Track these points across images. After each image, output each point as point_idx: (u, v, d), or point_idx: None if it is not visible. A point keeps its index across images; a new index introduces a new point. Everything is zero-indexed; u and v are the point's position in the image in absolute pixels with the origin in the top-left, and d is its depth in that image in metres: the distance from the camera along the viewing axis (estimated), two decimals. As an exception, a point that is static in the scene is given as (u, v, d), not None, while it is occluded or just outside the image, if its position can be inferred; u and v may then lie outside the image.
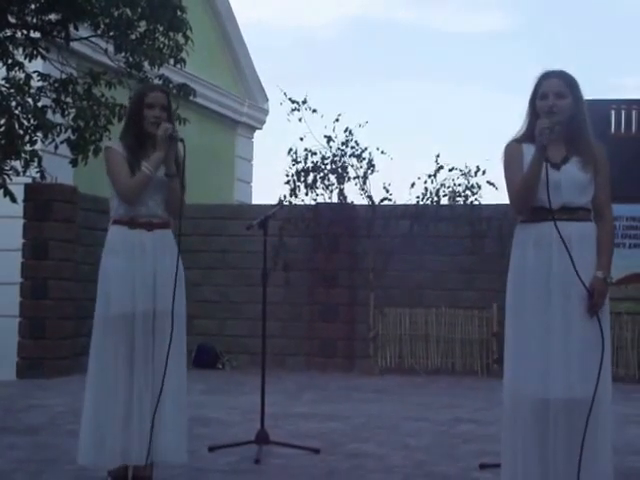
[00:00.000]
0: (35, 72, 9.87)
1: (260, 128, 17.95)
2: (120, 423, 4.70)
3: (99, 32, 10.07)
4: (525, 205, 4.24)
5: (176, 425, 4.79)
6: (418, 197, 11.97)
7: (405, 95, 30.11)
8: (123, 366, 4.72)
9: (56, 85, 9.98)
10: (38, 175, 9.97)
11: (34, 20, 9.95)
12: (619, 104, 12.34)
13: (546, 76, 4.30)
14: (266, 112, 17.78)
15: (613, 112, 12.25)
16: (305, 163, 12.08)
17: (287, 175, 12.06)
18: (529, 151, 4.24)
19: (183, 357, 4.92)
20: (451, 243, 11.97)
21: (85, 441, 4.77)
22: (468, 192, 11.97)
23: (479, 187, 11.96)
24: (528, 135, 4.30)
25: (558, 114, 4.21)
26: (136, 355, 4.72)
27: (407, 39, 31.13)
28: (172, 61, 10.32)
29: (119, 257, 4.78)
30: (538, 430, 4.09)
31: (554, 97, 4.25)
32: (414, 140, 26.60)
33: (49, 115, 9.87)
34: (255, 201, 17.02)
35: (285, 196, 11.92)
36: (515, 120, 4.45)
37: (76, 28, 9.91)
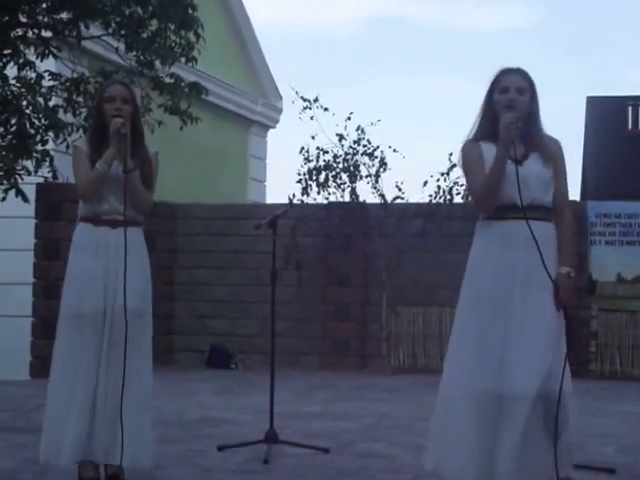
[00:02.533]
0: (46, 71, 9.87)
1: (274, 127, 17.92)
2: (81, 421, 4.71)
3: (110, 31, 10.08)
4: (492, 203, 4.22)
5: (133, 427, 4.75)
6: (431, 195, 11.90)
7: (418, 93, 30.07)
8: (87, 363, 4.72)
9: (67, 84, 9.98)
10: (50, 175, 9.97)
11: (45, 19, 9.97)
12: (636, 101, 12.26)
13: (506, 72, 4.31)
14: (280, 111, 17.74)
15: (630, 109, 12.17)
16: (317, 162, 12.04)
17: (299, 174, 12.03)
18: (488, 149, 4.23)
19: (144, 355, 4.87)
20: (464, 241, 11.77)
21: (45, 438, 4.83)
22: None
23: (466, 185, 11.84)
24: (484, 133, 4.28)
25: (517, 109, 4.21)
26: (100, 353, 4.72)
27: (422, 36, 31.09)
28: (183, 59, 10.31)
29: (84, 255, 4.79)
30: (484, 423, 4.10)
31: (515, 92, 4.24)
32: (427, 138, 26.54)
33: (60, 114, 9.88)
34: (270, 200, 16.99)
35: (294, 195, 11.87)
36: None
37: (87, 27, 9.92)
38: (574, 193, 13.84)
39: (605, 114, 11.88)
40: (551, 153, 4.26)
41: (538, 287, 4.13)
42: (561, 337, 4.16)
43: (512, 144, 4.10)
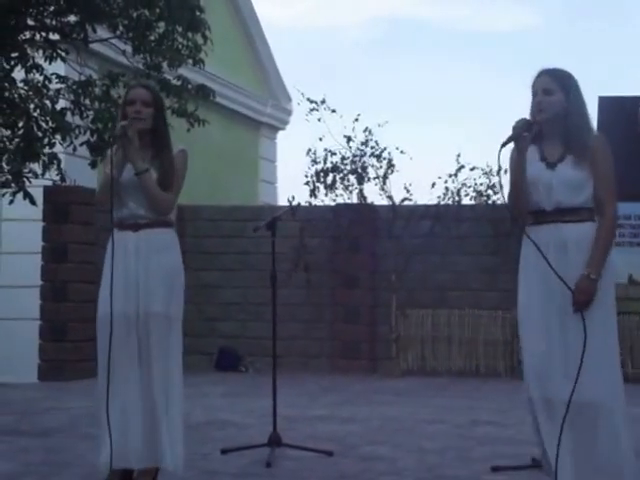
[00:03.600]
0: (53, 74, 9.88)
1: (283, 128, 17.90)
2: (114, 426, 4.65)
3: (117, 33, 10.07)
4: (516, 208, 4.21)
5: (166, 432, 4.72)
6: (439, 197, 11.89)
7: (427, 94, 29.98)
8: (108, 368, 4.65)
9: (74, 87, 9.98)
10: (57, 178, 9.97)
11: (53, 22, 9.97)
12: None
13: (538, 75, 4.28)
14: (289, 112, 17.72)
15: (643, 108, 12.05)
16: (324, 163, 12.02)
17: (306, 176, 12.01)
18: (531, 151, 4.21)
19: (174, 360, 4.82)
20: (473, 243, 11.87)
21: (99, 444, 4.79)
22: (490, 191, 11.87)
23: (501, 186, 11.80)
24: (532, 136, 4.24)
25: (544, 111, 4.17)
26: (122, 357, 4.68)
27: (435, 38, 30.99)
28: (191, 62, 10.30)
29: (110, 260, 4.77)
30: (548, 427, 4.07)
31: (542, 94, 4.21)
32: (435, 139, 26.46)
33: (68, 117, 9.89)
34: (281, 202, 16.95)
35: (294, 197, 11.80)
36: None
37: (94, 30, 9.91)
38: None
39: (617, 114, 11.77)
40: (587, 153, 4.17)
41: (569, 293, 4.07)
42: (597, 342, 4.05)
43: (524, 148, 4.09)
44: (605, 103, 11.95)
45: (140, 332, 4.71)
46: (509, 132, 4.15)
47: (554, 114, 4.17)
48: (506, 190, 4.29)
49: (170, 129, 10.44)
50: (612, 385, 4.09)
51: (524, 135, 4.12)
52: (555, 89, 4.20)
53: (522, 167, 4.13)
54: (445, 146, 26.32)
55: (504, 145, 4.11)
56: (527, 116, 4.25)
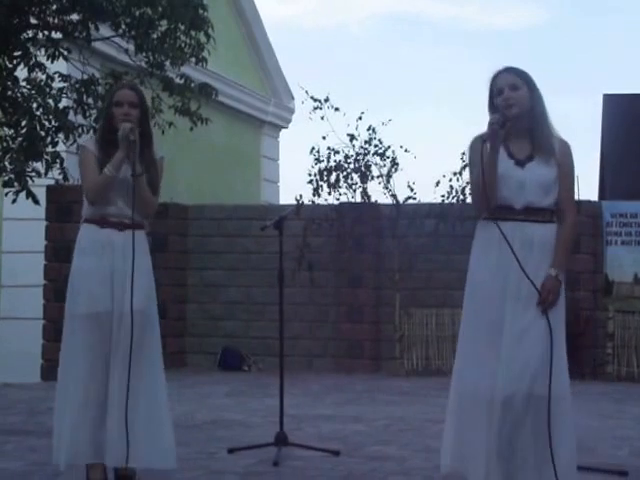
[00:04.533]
0: (56, 73, 9.86)
1: (286, 127, 17.88)
2: (91, 423, 4.71)
3: (120, 32, 10.06)
4: (483, 204, 4.20)
5: (149, 429, 4.75)
6: (443, 196, 11.82)
7: (430, 92, 29.98)
8: (97, 364, 4.72)
9: (77, 86, 9.97)
10: (60, 177, 9.96)
11: (55, 21, 9.96)
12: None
13: (497, 75, 4.31)
14: (292, 111, 17.69)
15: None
16: (328, 162, 11.98)
17: (309, 174, 11.96)
18: None
19: (156, 357, 4.88)
20: (477, 242, 11.81)
21: (57, 441, 4.82)
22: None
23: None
24: None
25: (516, 105, 4.20)
26: (106, 354, 4.71)
27: (436, 34, 30.98)
28: (193, 60, 10.28)
29: (89, 256, 4.80)
30: (485, 427, 4.12)
31: (509, 90, 4.23)
32: (439, 137, 26.46)
33: (70, 116, 9.88)
34: (283, 201, 16.94)
35: (301, 195, 11.79)
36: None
37: (97, 28, 9.90)
38: (592, 193, 13.70)
39: (623, 112, 11.72)
40: (555, 155, 4.22)
41: (527, 290, 4.14)
42: (550, 340, 4.09)
43: (494, 145, 4.10)
44: (610, 101, 11.92)
45: (124, 329, 4.71)
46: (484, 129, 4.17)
47: (523, 110, 4.21)
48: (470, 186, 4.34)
49: (173, 128, 10.46)
50: (567, 379, 4.18)
51: (500, 132, 4.13)
52: (521, 84, 4.24)
53: (495, 164, 4.14)
54: (450, 144, 26.30)
55: (485, 141, 4.13)
56: (487, 116, 4.28)
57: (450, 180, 11.84)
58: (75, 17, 9.90)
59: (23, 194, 9.58)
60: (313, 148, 11.97)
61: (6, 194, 9.79)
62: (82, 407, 4.75)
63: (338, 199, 12.03)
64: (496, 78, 4.29)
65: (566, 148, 4.30)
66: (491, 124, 4.11)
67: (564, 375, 4.15)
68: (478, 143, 4.25)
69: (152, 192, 4.85)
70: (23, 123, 9.61)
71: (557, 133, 4.31)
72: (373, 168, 11.97)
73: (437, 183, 11.83)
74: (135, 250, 4.74)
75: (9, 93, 9.65)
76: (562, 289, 4.21)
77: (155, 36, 9.96)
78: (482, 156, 4.17)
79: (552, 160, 4.21)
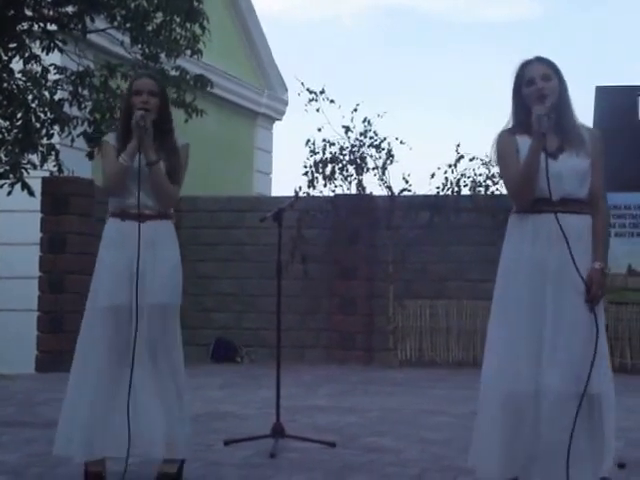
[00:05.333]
0: (52, 65, 9.86)
1: (279, 119, 17.88)
2: (106, 416, 4.69)
3: (115, 24, 10.06)
4: (527, 197, 4.13)
5: (163, 419, 4.76)
6: (438, 187, 11.89)
7: (426, 84, 30.00)
8: (109, 359, 4.70)
9: (72, 78, 9.96)
10: (55, 169, 9.96)
11: (51, 13, 9.96)
12: (646, 91, 12.15)
13: (527, 64, 4.23)
14: (285, 103, 17.71)
15: (640, 99, 12.07)
16: (323, 154, 12.01)
17: (305, 166, 11.99)
18: (523, 143, 4.16)
19: (174, 350, 4.86)
20: (472, 234, 11.87)
21: (61, 432, 4.81)
22: (489, 182, 11.87)
23: (500, 177, 11.86)
24: (520, 126, 4.20)
25: (550, 96, 4.13)
26: (124, 348, 4.68)
27: (433, 27, 31.00)
28: (189, 52, 10.29)
29: (111, 250, 4.76)
30: (522, 423, 4.06)
31: (542, 80, 4.16)
32: (434, 129, 26.51)
33: (66, 108, 9.88)
34: (275, 193, 16.97)
35: (300, 187, 11.85)
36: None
37: (92, 20, 9.90)
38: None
39: (615, 104, 11.76)
40: (586, 145, 4.16)
41: (571, 285, 4.05)
42: (594, 337, 4.02)
43: (544, 136, 4.03)
44: (603, 93, 11.97)
45: (145, 322, 4.69)
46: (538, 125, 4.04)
47: (554, 101, 4.14)
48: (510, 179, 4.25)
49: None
50: (610, 376, 4.15)
51: (547, 124, 4.05)
52: (552, 75, 4.17)
53: (538, 158, 4.06)
54: (444, 136, 26.36)
55: (540, 137, 4.03)
56: (511, 108, 4.24)
57: (445, 172, 11.92)
58: (70, 9, 9.90)
59: (18, 186, 9.58)
60: (309, 140, 12.01)
61: (1, 186, 9.78)
62: (98, 401, 4.72)
63: (333, 191, 12.08)
64: (526, 68, 4.20)
65: (596, 137, 4.23)
66: (540, 115, 4.01)
67: (609, 371, 4.11)
68: (507, 136, 4.20)
69: (172, 181, 4.77)
70: (18, 115, 9.62)
71: (582, 123, 4.26)
72: (368, 160, 12.04)
73: (432, 175, 11.91)
74: (158, 241, 4.72)
75: (4, 85, 9.65)
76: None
77: (150, 28, 9.97)
78: (509, 149, 4.14)
79: (583, 150, 4.15)
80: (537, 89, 4.14)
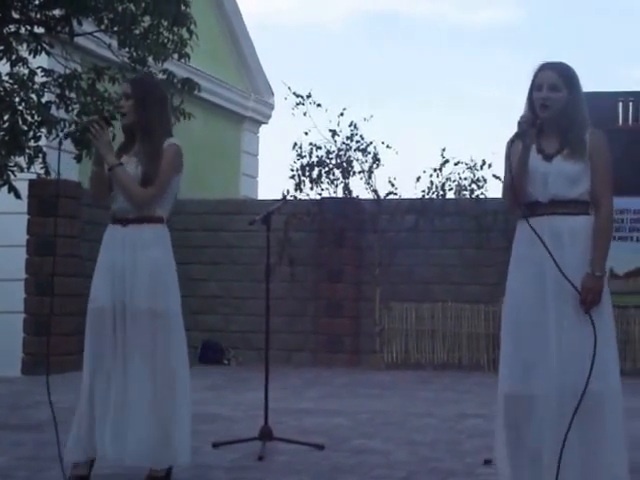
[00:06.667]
0: (39, 68, 9.84)
1: (266, 123, 17.90)
2: (91, 419, 4.73)
3: (103, 27, 10.04)
4: (513, 202, 4.15)
5: (150, 422, 4.74)
6: (424, 191, 11.95)
7: (411, 89, 30.05)
8: (95, 360, 4.73)
9: (60, 80, 9.94)
10: (42, 171, 9.94)
11: (38, 15, 9.93)
12: (627, 96, 12.25)
13: (542, 68, 4.23)
14: (272, 106, 17.72)
15: (621, 104, 12.16)
16: (310, 157, 12.05)
17: (292, 170, 12.03)
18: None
19: (174, 356, 4.85)
20: (457, 237, 11.93)
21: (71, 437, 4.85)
22: (474, 186, 11.94)
23: (485, 181, 11.95)
24: None
25: (550, 108, 4.14)
26: (107, 351, 4.71)
27: (417, 31, 31.05)
28: (176, 56, 10.29)
29: (101, 253, 4.87)
30: (530, 426, 4.06)
31: (548, 90, 4.17)
32: (420, 134, 26.56)
33: (53, 111, 9.85)
34: (261, 196, 16.99)
35: (288, 191, 11.88)
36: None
37: (80, 23, 9.88)
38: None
39: (596, 110, 11.84)
40: (584, 147, 4.16)
41: (566, 287, 4.04)
42: (592, 339, 4.00)
43: (526, 143, 4.05)
44: (591, 98, 12.06)
45: (125, 326, 4.72)
46: (515, 128, 4.12)
47: (557, 111, 4.15)
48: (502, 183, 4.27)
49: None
50: (617, 378, 4.10)
51: (531, 130, 4.08)
52: (561, 86, 4.16)
53: (526, 162, 4.10)
54: (430, 140, 26.41)
55: (512, 142, 4.09)
56: (524, 106, 4.23)
57: (430, 176, 11.98)
58: (58, 12, 9.87)
59: (5, 188, 9.57)
60: (295, 144, 12.05)
61: (-12, 188, 9.76)
62: (85, 403, 4.77)
63: (320, 194, 12.12)
64: (539, 71, 4.21)
65: (598, 139, 4.23)
66: (520, 123, 4.05)
67: (614, 374, 4.07)
68: (510, 145, 4.20)
69: (148, 183, 4.75)
70: (5, 117, 9.58)
71: (590, 126, 4.25)
72: (355, 164, 12.08)
73: (417, 179, 11.97)
74: (139, 245, 4.75)
75: (-9, 87, 9.63)
76: (605, 284, 4.11)
77: (138, 32, 9.94)
78: (510, 154, 4.14)
79: (581, 153, 4.14)
80: (541, 97, 4.16)
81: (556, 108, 4.16)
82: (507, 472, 4.15)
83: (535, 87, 4.21)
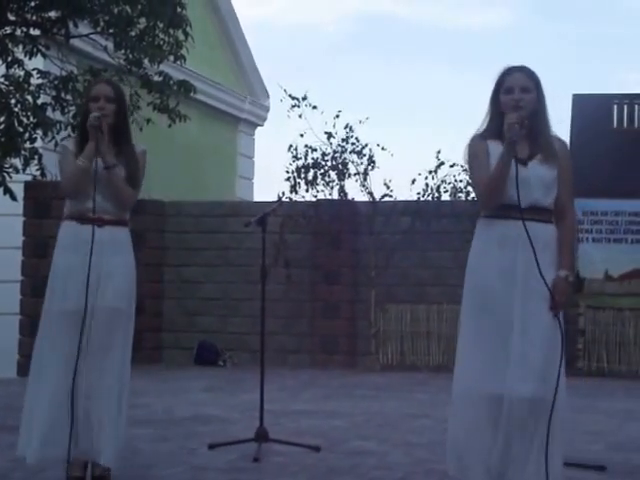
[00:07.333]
0: (34, 69, 9.85)
1: (262, 125, 17.94)
2: (62, 419, 4.72)
3: (99, 29, 10.07)
4: (494, 202, 4.16)
5: (104, 425, 4.75)
6: (419, 193, 11.94)
7: (407, 91, 30.10)
8: (64, 361, 4.71)
9: (56, 82, 9.96)
10: (38, 173, 9.95)
11: (34, 17, 9.96)
12: (621, 99, 12.29)
13: (509, 71, 4.25)
14: (267, 109, 17.77)
15: (615, 107, 12.20)
16: (305, 160, 12.06)
17: (287, 172, 12.04)
18: (494, 148, 4.18)
19: (128, 355, 4.88)
20: (452, 239, 11.92)
21: (26, 435, 4.85)
22: (469, 188, 11.94)
23: (470, 179, 11.94)
24: (492, 132, 4.23)
25: (524, 108, 4.16)
26: (79, 350, 4.68)
27: (412, 34, 31.09)
28: (172, 58, 10.31)
29: (67, 253, 4.78)
30: (489, 427, 4.09)
31: (520, 91, 4.19)
32: (415, 136, 26.58)
33: (49, 112, 9.87)
34: (257, 198, 17.02)
35: (284, 193, 11.89)
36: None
37: (76, 25, 9.90)
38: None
39: (591, 112, 11.89)
40: (554, 154, 4.19)
41: (537, 291, 4.08)
42: (558, 343, 4.07)
43: (515, 144, 4.05)
44: (579, 101, 12.09)
45: (95, 325, 4.71)
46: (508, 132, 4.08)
47: (529, 112, 4.16)
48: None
49: (151, 125, 10.48)
50: (563, 383, 4.11)
51: (520, 131, 4.08)
52: (531, 88, 4.20)
53: (509, 164, 4.08)
54: (425, 143, 26.44)
55: (512, 146, 4.06)
56: (486, 112, 4.27)
57: (426, 178, 11.97)
58: (54, 14, 9.90)
59: (0, 190, 9.58)
60: (291, 146, 12.06)
61: (-17, 190, 9.77)
62: (53, 403, 4.75)
63: (315, 196, 12.12)
64: (507, 75, 4.23)
65: (564, 148, 4.28)
66: (512, 123, 4.05)
67: (563, 378, 4.10)
68: (479, 141, 4.23)
69: (132, 185, 4.82)
70: (1, 119, 9.60)
71: (554, 133, 4.29)
72: (350, 166, 12.07)
73: (413, 181, 11.97)
74: (114, 246, 4.77)
75: (-13, 89, 9.64)
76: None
77: (134, 34, 9.98)
78: (480, 153, 4.16)
79: (552, 160, 4.17)
80: (514, 99, 4.17)
81: (529, 109, 4.18)
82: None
83: (504, 90, 4.22)
